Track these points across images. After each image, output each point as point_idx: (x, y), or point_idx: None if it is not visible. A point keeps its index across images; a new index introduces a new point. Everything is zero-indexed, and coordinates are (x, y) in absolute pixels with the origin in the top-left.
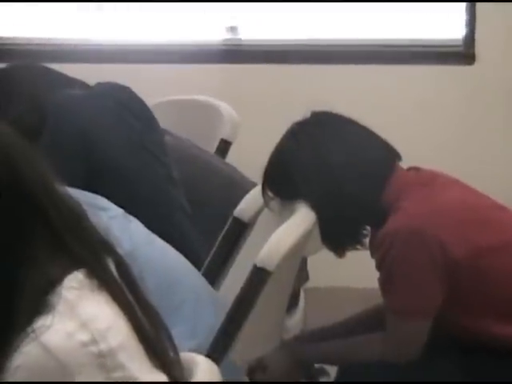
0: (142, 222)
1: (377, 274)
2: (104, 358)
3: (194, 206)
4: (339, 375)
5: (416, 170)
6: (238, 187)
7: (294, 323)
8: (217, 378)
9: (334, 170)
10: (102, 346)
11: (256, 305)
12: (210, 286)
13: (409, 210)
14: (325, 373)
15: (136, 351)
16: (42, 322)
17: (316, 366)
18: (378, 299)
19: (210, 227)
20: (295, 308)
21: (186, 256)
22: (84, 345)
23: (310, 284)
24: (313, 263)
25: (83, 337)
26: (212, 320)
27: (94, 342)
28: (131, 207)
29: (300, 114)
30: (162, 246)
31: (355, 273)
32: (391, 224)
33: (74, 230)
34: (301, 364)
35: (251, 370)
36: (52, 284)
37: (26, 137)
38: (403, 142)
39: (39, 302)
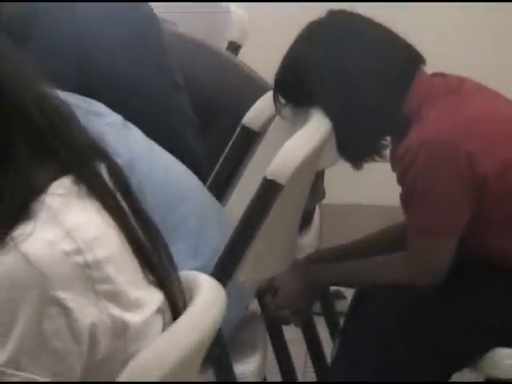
0: (143, 131)
1: (398, 190)
2: (89, 269)
3: (204, 113)
4: (356, 298)
5: (442, 75)
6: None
7: (308, 242)
8: (221, 299)
9: (352, 73)
10: (88, 257)
11: (266, 221)
12: (216, 202)
13: (434, 120)
14: (341, 296)
15: (128, 264)
16: (21, 230)
17: (332, 288)
18: (399, 218)
19: (224, 140)
20: (309, 226)
21: (191, 169)
22: (67, 254)
23: (325, 201)
24: (329, 178)
25: (67, 246)
26: (218, 238)
27: (78, 251)
28: (130, 116)
29: (317, 14)
30: (164, 157)
31: (375, 189)
32: (415, 134)
33: (60, 132)
34: (315, 286)
35: (261, 293)
36: (35, 191)
37: (14, 40)
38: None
39: (20, 210)
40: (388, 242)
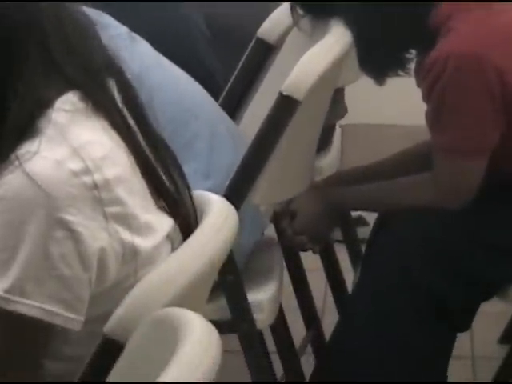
0: (152, 44)
1: (423, 108)
2: (98, 190)
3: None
4: (378, 224)
5: None
6: None
7: (328, 163)
8: (233, 221)
9: None
10: (96, 177)
11: (281, 140)
12: (229, 119)
13: (463, 33)
14: (363, 222)
15: (137, 186)
16: (27, 148)
17: (354, 214)
18: (424, 137)
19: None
20: (329, 146)
21: (203, 84)
22: (75, 174)
23: (347, 120)
24: (350, 96)
25: (74, 165)
26: (230, 157)
27: (86, 171)
28: (137, 28)
29: None
30: (173, 71)
31: (398, 108)
32: (442, 47)
33: (74, 48)
34: (334, 210)
35: (277, 216)
36: (41, 106)
37: None
38: None
39: (26, 126)
40: (412, 163)
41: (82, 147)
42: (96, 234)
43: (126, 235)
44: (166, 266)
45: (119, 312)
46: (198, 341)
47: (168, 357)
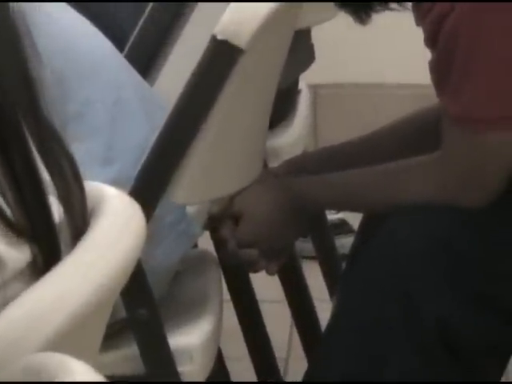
0: None
1: (427, 57)
2: None
3: None
4: (364, 228)
5: None
6: None
7: (289, 142)
8: (137, 228)
9: None
10: None
11: (216, 107)
12: (140, 79)
13: None
14: (345, 227)
15: None
16: None
17: (331, 216)
18: (427, 101)
19: None
20: (291, 117)
21: (105, 32)
22: None
23: (320, 78)
24: (325, 45)
25: None
26: (141, 133)
27: None
28: None
29: None
30: (69, 15)
31: (392, 59)
32: None
33: None
34: (300, 210)
35: (214, 221)
36: None
37: None
38: None
39: None
40: (412, 138)
41: None
42: None
43: None
44: (35, 295)
45: None
46: None
47: None
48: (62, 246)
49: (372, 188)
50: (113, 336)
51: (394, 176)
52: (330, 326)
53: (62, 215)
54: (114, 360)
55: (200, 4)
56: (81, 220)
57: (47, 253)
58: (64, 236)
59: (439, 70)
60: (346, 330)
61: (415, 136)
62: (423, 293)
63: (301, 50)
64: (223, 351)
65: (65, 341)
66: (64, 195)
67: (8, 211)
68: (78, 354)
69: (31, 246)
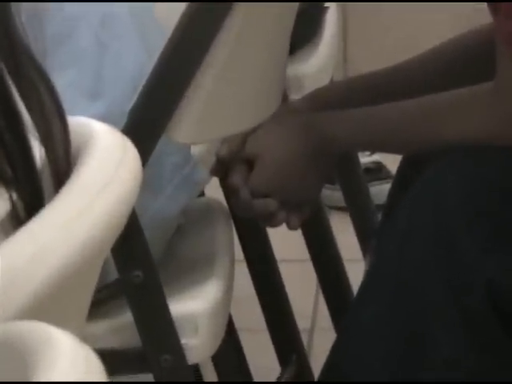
0: None
1: None
2: None
3: None
4: (403, 173)
5: None
6: None
7: (313, 70)
8: (134, 167)
9: None
10: None
11: (225, 27)
12: None
13: None
14: (382, 172)
15: None
16: None
17: (364, 159)
18: (481, 20)
19: None
20: (317, 40)
21: None
22: None
23: None
24: None
25: None
26: (135, 60)
27: None
28: None
29: None
30: None
31: None
32: None
33: None
34: (326, 150)
35: (224, 166)
36: None
37: None
38: None
39: None
40: (460, 64)
41: None
42: None
43: None
44: (8, 252)
45: None
46: (64, 372)
47: None
48: (46, 193)
49: (415, 124)
50: (102, 303)
51: (440, 110)
52: (362, 290)
53: (44, 156)
54: (104, 331)
55: None
56: (64, 162)
57: (28, 200)
58: (47, 181)
59: None
60: (381, 296)
61: (463, 62)
62: (471, 251)
63: None
64: (234, 321)
65: (44, 307)
66: (45, 133)
67: None
68: (61, 323)
69: (10, 192)
